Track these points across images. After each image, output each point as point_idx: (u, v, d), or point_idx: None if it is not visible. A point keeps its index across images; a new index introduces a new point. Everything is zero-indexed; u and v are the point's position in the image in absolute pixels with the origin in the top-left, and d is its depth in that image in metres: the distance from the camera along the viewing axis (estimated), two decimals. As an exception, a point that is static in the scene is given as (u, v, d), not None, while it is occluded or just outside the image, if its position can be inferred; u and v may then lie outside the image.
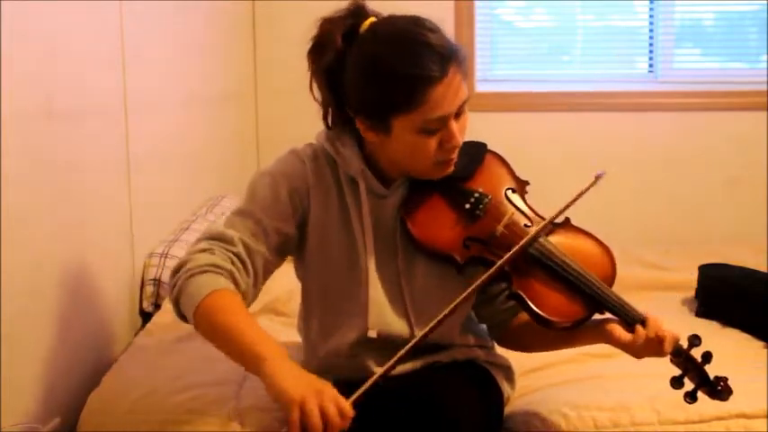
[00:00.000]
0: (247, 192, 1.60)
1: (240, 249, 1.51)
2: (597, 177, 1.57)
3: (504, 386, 1.71)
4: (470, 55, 3.52)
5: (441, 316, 1.44)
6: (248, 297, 1.54)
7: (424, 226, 1.56)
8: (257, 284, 1.56)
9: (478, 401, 1.57)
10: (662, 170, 3.59)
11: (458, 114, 1.51)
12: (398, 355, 1.41)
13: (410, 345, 1.43)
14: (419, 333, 1.55)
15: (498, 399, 1.68)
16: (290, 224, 1.57)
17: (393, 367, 1.41)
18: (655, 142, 3.58)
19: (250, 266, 1.52)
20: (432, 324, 1.43)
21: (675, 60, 3.69)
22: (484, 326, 1.76)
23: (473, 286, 1.47)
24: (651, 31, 3.68)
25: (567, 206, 1.54)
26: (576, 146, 3.56)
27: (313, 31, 1.56)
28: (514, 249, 1.50)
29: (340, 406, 1.31)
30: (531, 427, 1.69)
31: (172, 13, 2.66)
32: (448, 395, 1.52)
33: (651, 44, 3.68)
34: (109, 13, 2.18)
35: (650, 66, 3.70)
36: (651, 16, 3.68)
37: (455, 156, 1.55)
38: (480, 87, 3.60)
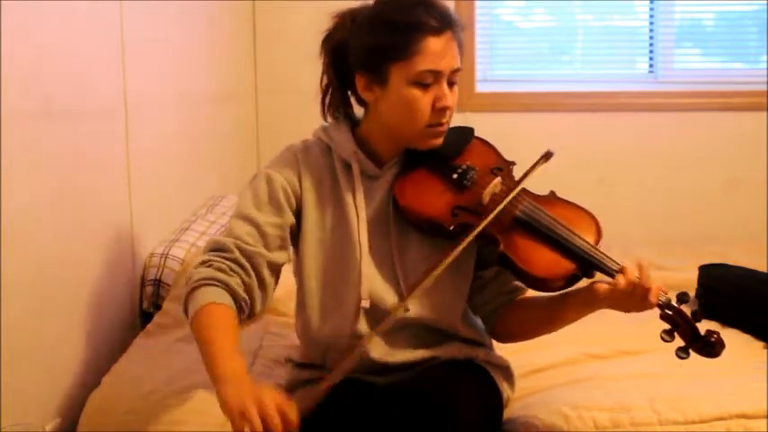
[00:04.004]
0: (244, 192, 1.67)
1: (236, 255, 1.58)
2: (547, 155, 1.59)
3: (504, 387, 1.72)
4: (470, 55, 3.52)
5: (425, 273, 1.50)
6: (254, 297, 1.59)
7: (413, 196, 1.61)
8: (263, 281, 1.61)
9: (478, 400, 1.57)
10: (662, 170, 3.59)
11: (451, 84, 1.58)
12: (387, 322, 1.50)
13: (399, 305, 1.52)
14: (413, 314, 1.59)
15: (497, 399, 1.69)
16: (287, 215, 1.63)
17: (345, 372, 1.50)
18: (655, 142, 3.58)
19: (250, 269, 1.59)
20: (416, 281, 1.50)
21: (675, 60, 3.69)
22: (481, 322, 1.76)
23: (458, 248, 1.50)
24: (651, 31, 3.68)
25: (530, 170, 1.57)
26: (576, 146, 3.56)
27: (327, 25, 1.66)
28: (496, 208, 1.53)
29: (281, 408, 1.33)
30: (531, 427, 1.69)
31: (172, 13, 2.66)
32: (447, 394, 1.52)
33: (651, 44, 3.68)
34: (109, 13, 2.18)
35: (650, 66, 3.69)
36: (651, 16, 3.68)
37: (445, 122, 1.61)
38: (480, 87, 3.60)
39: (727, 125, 3.54)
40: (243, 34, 3.51)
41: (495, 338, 1.77)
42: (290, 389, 1.75)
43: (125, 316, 2.28)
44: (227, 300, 1.54)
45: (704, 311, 2.31)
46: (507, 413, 1.73)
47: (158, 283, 2.35)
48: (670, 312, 1.53)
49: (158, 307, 2.32)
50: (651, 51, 3.69)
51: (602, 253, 1.55)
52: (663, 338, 1.53)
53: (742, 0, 3.69)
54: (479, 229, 1.53)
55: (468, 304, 1.73)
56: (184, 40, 2.82)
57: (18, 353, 1.69)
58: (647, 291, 1.51)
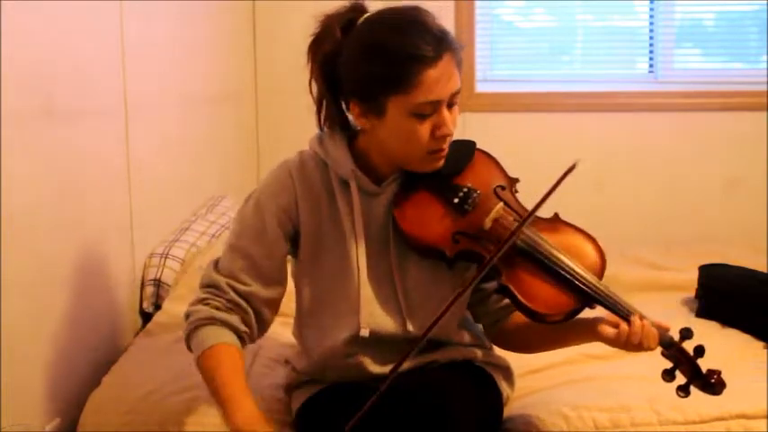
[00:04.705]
0: (236, 222, 1.65)
1: (232, 296, 1.59)
2: (573, 167, 1.53)
3: (503, 386, 1.71)
4: (470, 55, 3.52)
5: (433, 321, 1.45)
6: (253, 332, 1.62)
7: (414, 220, 1.57)
8: (262, 318, 1.62)
9: (477, 401, 1.57)
10: (662, 170, 3.59)
11: (450, 105, 1.52)
12: (390, 376, 1.45)
13: (402, 359, 1.46)
14: (413, 333, 1.57)
15: (497, 399, 1.69)
16: (283, 242, 1.62)
17: (388, 386, 1.44)
18: (655, 142, 3.58)
19: (247, 306, 1.60)
20: (425, 331, 1.46)
21: (675, 60, 3.69)
22: (480, 326, 1.76)
23: (463, 290, 1.48)
24: (651, 31, 3.68)
25: (549, 193, 1.48)
26: (576, 146, 3.55)
27: (314, 28, 1.59)
28: (503, 244, 1.49)
29: None
30: (531, 427, 1.69)
31: (172, 13, 2.66)
32: (447, 395, 1.51)
33: (651, 44, 3.68)
34: (109, 13, 2.18)
35: (650, 66, 3.69)
36: (651, 16, 3.68)
37: (446, 147, 1.56)
38: (480, 87, 3.60)
39: (727, 125, 3.54)
40: (243, 34, 3.51)
41: (496, 345, 1.76)
42: (290, 389, 1.75)
43: (125, 316, 2.28)
44: (230, 337, 1.57)
45: (704, 312, 2.34)
46: (507, 412, 1.73)
47: (158, 283, 2.35)
48: (672, 351, 1.52)
49: (158, 307, 2.32)
50: (651, 51, 3.69)
51: (605, 289, 1.52)
52: (664, 378, 1.52)
53: (742, 0, 3.69)
54: (489, 264, 1.48)
55: (470, 313, 1.72)
56: (184, 40, 2.82)
57: (18, 353, 1.69)
58: (647, 344, 1.50)
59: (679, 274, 2.67)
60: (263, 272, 1.60)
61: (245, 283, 1.59)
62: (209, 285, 1.61)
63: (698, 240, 3.19)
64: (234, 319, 1.58)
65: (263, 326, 1.64)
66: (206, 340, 1.56)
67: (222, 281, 1.59)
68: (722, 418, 1.69)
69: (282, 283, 1.64)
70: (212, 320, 1.58)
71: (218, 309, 1.58)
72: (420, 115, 1.49)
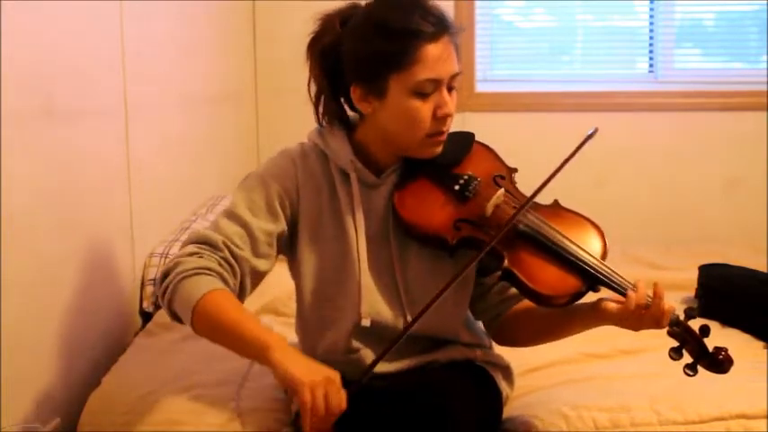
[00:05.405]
0: (237, 193, 1.62)
1: (226, 254, 1.54)
2: (587, 137, 1.55)
3: (503, 386, 1.72)
4: (470, 55, 3.52)
5: (432, 299, 1.45)
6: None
7: (414, 209, 1.57)
8: (243, 288, 1.58)
9: (477, 401, 1.57)
10: (662, 170, 3.60)
11: (450, 89, 1.54)
12: (393, 343, 1.44)
13: (404, 331, 1.46)
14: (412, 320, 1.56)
15: (497, 398, 1.69)
16: (280, 223, 1.59)
17: (385, 354, 1.44)
18: (655, 142, 3.58)
19: (238, 269, 1.55)
20: (423, 308, 1.45)
21: (675, 60, 3.69)
22: (481, 325, 1.76)
23: (465, 266, 1.48)
24: (651, 31, 3.68)
25: (551, 177, 1.51)
26: (576, 146, 3.55)
27: (313, 27, 1.60)
28: (504, 227, 1.50)
29: (341, 395, 1.37)
30: (530, 427, 1.69)
31: (172, 14, 2.66)
32: (447, 395, 1.51)
33: (651, 44, 3.69)
34: (109, 13, 2.18)
35: (650, 66, 3.70)
36: (651, 16, 3.68)
37: (446, 130, 1.57)
38: (480, 87, 3.60)
39: (727, 125, 3.54)
40: (243, 34, 3.51)
41: (497, 342, 1.76)
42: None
43: (125, 316, 2.28)
44: (225, 287, 1.51)
45: (704, 312, 2.34)
46: (506, 411, 1.73)
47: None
48: (678, 329, 1.52)
49: (158, 307, 2.32)
50: (651, 51, 3.69)
51: (609, 269, 1.52)
52: (671, 356, 1.52)
53: (742, 0, 3.69)
54: (488, 248, 1.48)
55: (469, 310, 1.72)
56: (184, 41, 2.82)
57: (18, 353, 1.69)
58: (660, 315, 1.49)
59: (679, 274, 2.67)
60: (256, 243, 1.56)
61: (239, 247, 1.55)
62: (201, 242, 1.55)
63: (698, 240, 3.19)
64: (229, 278, 1.52)
65: (240, 299, 1.58)
66: (202, 287, 1.47)
67: (219, 238, 1.54)
68: (722, 418, 1.69)
69: (270, 259, 1.60)
70: (207, 270, 1.50)
71: (211, 263, 1.51)
72: (421, 94, 1.51)
